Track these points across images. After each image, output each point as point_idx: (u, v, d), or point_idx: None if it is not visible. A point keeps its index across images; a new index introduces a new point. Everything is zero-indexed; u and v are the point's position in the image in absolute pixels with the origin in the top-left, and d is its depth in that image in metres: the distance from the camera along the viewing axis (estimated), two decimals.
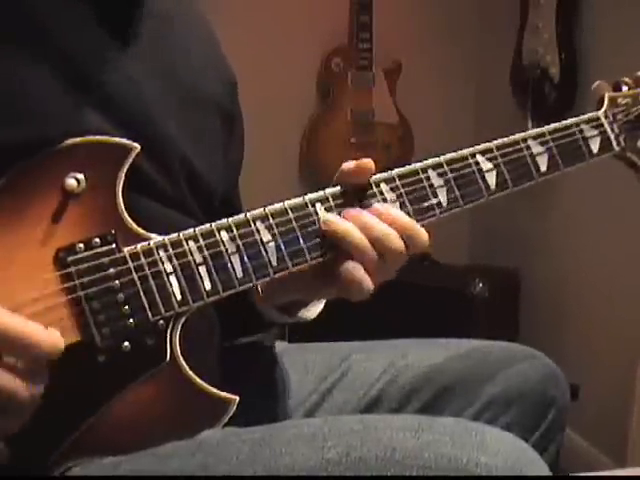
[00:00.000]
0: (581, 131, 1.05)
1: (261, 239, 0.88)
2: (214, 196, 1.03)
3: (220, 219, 0.89)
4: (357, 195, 0.93)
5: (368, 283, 0.90)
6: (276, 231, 0.89)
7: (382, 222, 0.91)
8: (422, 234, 0.93)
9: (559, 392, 1.11)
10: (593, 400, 2.24)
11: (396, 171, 0.94)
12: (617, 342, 2.23)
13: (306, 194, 0.92)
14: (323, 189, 0.93)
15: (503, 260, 2.69)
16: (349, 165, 0.93)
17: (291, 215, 0.90)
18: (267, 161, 2.57)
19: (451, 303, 2.46)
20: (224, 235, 0.87)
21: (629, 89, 1.10)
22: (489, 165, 0.98)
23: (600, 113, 1.07)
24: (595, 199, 2.28)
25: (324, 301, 1.03)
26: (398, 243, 0.91)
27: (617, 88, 1.10)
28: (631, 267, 2.16)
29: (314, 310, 1.04)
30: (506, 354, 1.12)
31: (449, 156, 0.97)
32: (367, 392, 1.09)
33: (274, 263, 0.89)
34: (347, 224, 0.90)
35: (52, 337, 0.77)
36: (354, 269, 0.90)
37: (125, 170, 0.86)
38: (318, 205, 0.91)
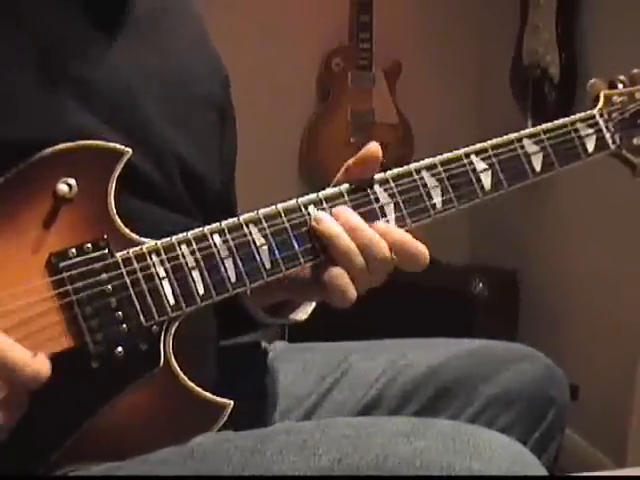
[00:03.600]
0: (576, 130, 1.04)
1: (254, 243, 0.87)
2: (210, 192, 1.02)
3: (216, 216, 0.88)
4: (351, 197, 0.92)
5: (352, 292, 0.89)
6: (269, 235, 0.88)
7: (370, 229, 0.89)
8: (420, 250, 0.90)
9: (559, 392, 1.11)
10: (593, 400, 2.24)
11: (389, 173, 0.94)
12: (617, 342, 2.22)
13: (304, 195, 0.91)
14: (318, 191, 0.92)
15: (503, 260, 2.69)
16: (352, 160, 0.92)
17: (284, 218, 0.89)
18: (267, 161, 2.57)
19: (451, 303, 2.46)
20: (217, 239, 0.86)
21: (624, 87, 1.09)
22: (483, 165, 0.97)
23: (595, 111, 1.06)
24: (594, 199, 2.28)
25: (314, 303, 1.02)
26: (386, 252, 0.89)
27: (612, 86, 1.09)
28: (630, 267, 2.16)
29: (304, 311, 1.03)
30: (506, 354, 1.11)
31: (443, 157, 0.95)
32: (367, 392, 1.08)
33: (267, 267, 0.88)
34: (337, 228, 0.89)
35: (37, 365, 0.75)
36: (338, 276, 0.88)
37: (117, 175, 0.85)
38: (311, 208, 0.90)
